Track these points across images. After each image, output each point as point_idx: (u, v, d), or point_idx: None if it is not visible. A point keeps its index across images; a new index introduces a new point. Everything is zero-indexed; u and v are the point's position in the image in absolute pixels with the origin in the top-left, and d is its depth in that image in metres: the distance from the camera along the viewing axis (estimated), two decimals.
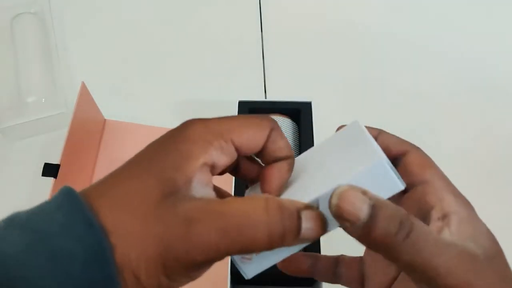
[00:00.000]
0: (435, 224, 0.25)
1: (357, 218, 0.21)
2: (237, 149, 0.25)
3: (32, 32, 0.70)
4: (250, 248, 0.22)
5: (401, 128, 0.66)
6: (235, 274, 0.49)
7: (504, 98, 0.68)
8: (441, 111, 0.67)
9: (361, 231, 0.21)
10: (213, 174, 0.24)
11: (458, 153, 0.64)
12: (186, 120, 0.25)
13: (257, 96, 0.68)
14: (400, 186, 0.24)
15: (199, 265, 0.22)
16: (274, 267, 0.49)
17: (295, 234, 0.22)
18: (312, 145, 0.55)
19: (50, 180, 0.50)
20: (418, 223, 0.22)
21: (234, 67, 0.71)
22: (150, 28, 0.75)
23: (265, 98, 0.68)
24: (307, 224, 0.22)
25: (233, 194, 0.48)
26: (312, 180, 0.26)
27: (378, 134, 0.30)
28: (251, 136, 0.25)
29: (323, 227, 0.23)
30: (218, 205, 0.22)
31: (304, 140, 0.55)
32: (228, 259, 0.47)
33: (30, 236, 0.21)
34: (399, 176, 0.25)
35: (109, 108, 0.64)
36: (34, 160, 0.62)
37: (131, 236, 0.21)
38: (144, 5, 0.77)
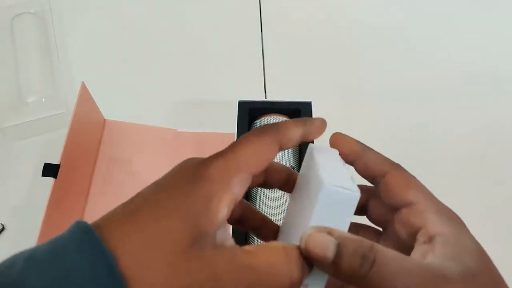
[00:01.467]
0: (420, 248, 0.25)
1: (325, 258, 0.22)
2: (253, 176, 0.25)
3: (32, 32, 0.70)
4: None
5: (401, 128, 0.66)
6: None
7: (504, 97, 0.68)
8: (442, 111, 0.67)
9: (331, 268, 0.22)
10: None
11: (457, 152, 0.64)
12: (203, 159, 0.24)
13: (257, 96, 0.68)
14: (356, 195, 0.24)
15: None
16: None
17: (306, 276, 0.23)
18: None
19: (50, 180, 0.50)
20: (383, 252, 0.22)
21: (234, 67, 0.71)
22: (150, 28, 0.75)
23: (265, 98, 0.68)
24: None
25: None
26: (297, 220, 0.27)
27: (361, 152, 0.29)
28: (264, 159, 0.25)
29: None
30: (244, 257, 0.22)
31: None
32: None
33: (50, 284, 0.19)
34: (354, 183, 0.25)
35: (109, 108, 0.64)
36: (34, 160, 0.62)
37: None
38: (144, 5, 0.77)
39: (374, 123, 0.66)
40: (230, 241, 0.23)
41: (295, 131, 0.27)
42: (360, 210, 0.30)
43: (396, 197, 0.27)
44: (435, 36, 0.74)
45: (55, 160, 0.52)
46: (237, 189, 0.23)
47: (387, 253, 0.22)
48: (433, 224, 0.25)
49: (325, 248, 0.22)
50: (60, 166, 0.51)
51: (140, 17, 0.76)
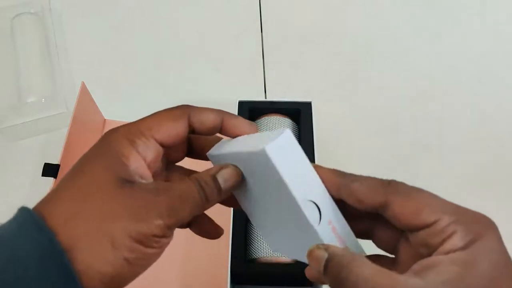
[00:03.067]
0: (423, 263, 0.24)
1: (320, 268, 0.26)
2: (160, 143, 0.29)
3: (32, 32, 0.70)
4: (190, 212, 0.27)
5: (401, 128, 0.66)
6: (235, 274, 0.49)
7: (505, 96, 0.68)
8: (442, 111, 0.67)
9: (322, 277, 0.26)
10: (150, 170, 0.28)
11: (460, 152, 0.64)
12: (114, 128, 0.29)
13: (257, 96, 0.68)
14: (286, 131, 0.25)
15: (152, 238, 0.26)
16: (273, 267, 0.50)
17: (217, 193, 0.28)
18: (312, 144, 0.55)
19: (50, 180, 0.50)
20: (358, 267, 0.24)
21: (234, 67, 0.71)
22: (150, 28, 0.75)
23: (265, 98, 0.68)
24: (222, 179, 0.28)
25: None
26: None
27: (344, 183, 0.27)
28: (170, 129, 0.29)
29: (237, 172, 0.29)
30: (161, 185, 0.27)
31: (304, 140, 0.55)
32: (228, 259, 0.48)
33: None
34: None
35: (109, 108, 0.64)
36: (34, 160, 0.62)
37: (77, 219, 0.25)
38: (144, 5, 0.77)
39: (374, 123, 0.66)
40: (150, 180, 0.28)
41: (208, 114, 0.30)
42: (363, 234, 0.29)
43: (409, 225, 0.25)
44: (435, 36, 0.74)
45: (55, 160, 0.52)
46: (142, 148, 0.28)
47: (364, 271, 0.23)
48: (451, 243, 0.23)
49: (319, 262, 0.26)
50: (60, 166, 0.51)
51: (140, 17, 0.76)
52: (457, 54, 0.72)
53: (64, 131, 0.53)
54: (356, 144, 0.64)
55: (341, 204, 0.27)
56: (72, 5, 0.77)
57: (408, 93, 0.69)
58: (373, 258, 0.27)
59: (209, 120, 0.30)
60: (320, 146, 0.55)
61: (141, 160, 0.28)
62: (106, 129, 0.64)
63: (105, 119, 0.65)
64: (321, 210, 0.26)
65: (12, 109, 0.63)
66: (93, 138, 0.62)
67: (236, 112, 0.56)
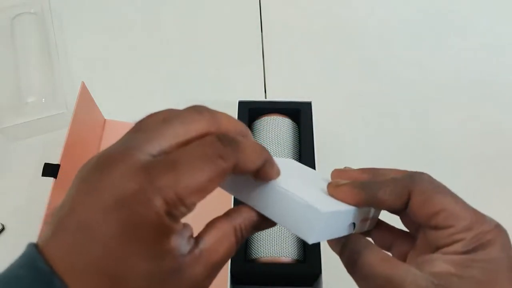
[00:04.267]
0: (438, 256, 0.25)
1: (337, 250, 0.29)
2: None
3: (32, 32, 0.70)
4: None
5: (401, 128, 0.66)
6: (235, 274, 0.49)
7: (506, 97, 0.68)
8: (442, 111, 0.67)
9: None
10: None
11: (460, 152, 0.64)
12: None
13: (257, 96, 0.68)
14: (320, 213, 0.25)
15: None
16: (273, 267, 0.50)
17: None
18: (312, 144, 0.55)
19: (50, 180, 0.50)
20: (366, 256, 0.26)
21: (234, 67, 0.71)
22: (150, 28, 0.75)
23: (265, 98, 0.68)
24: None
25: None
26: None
27: (375, 193, 0.28)
28: (211, 187, 0.22)
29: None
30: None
31: (304, 140, 0.55)
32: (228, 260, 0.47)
33: None
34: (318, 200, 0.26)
35: (109, 108, 0.64)
36: (34, 160, 0.62)
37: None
38: (144, 5, 0.77)
39: (374, 123, 0.66)
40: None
41: (254, 161, 0.24)
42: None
43: (426, 224, 0.27)
44: (436, 36, 0.74)
45: (55, 160, 0.52)
46: (181, 225, 0.22)
47: (370, 257, 0.26)
48: (461, 230, 0.25)
49: (338, 245, 0.29)
50: (60, 166, 0.51)
51: (140, 17, 0.76)
52: (458, 54, 0.72)
53: (64, 131, 0.53)
54: (356, 144, 0.64)
55: None
56: (72, 5, 0.77)
57: (408, 93, 0.69)
58: (399, 234, 0.31)
59: (253, 167, 0.24)
60: (320, 146, 0.55)
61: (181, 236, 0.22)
62: (106, 129, 0.64)
63: (105, 119, 0.65)
64: (355, 224, 0.28)
65: (12, 109, 0.63)
66: (93, 138, 0.62)
67: (236, 112, 0.56)
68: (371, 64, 0.71)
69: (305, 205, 0.25)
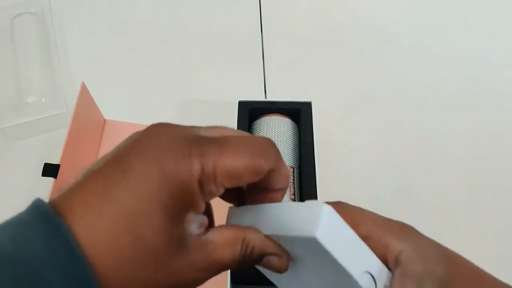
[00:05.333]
0: (396, 273, 0.26)
1: None
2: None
3: (32, 32, 0.70)
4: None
5: (401, 128, 0.66)
6: (235, 274, 0.49)
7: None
8: (443, 111, 0.67)
9: None
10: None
11: (458, 152, 0.64)
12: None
13: (257, 96, 0.68)
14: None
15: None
16: None
17: (250, 264, 0.26)
18: (312, 144, 0.55)
19: (50, 180, 0.50)
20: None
21: (234, 68, 0.71)
22: (150, 28, 0.75)
23: (265, 98, 0.68)
24: (266, 262, 0.26)
25: None
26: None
27: None
28: (245, 178, 0.23)
29: (284, 266, 0.27)
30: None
31: (304, 140, 0.55)
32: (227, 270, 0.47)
33: (15, 271, 0.19)
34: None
35: (109, 108, 0.64)
36: (34, 160, 0.62)
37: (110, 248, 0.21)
38: (144, 5, 0.77)
39: (374, 123, 0.66)
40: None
41: (285, 175, 0.26)
42: None
43: None
44: (436, 36, 0.74)
45: (55, 160, 0.51)
46: (207, 197, 0.23)
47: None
48: (393, 246, 0.26)
49: None
50: (60, 166, 0.51)
51: (140, 17, 0.76)
52: (459, 55, 0.72)
53: (64, 131, 0.53)
54: (356, 144, 0.64)
55: None
56: (72, 5, 0.77)
57: (408, 93, 0.69)
58: None
59: (280, 186, 0.26)
60: (320, 146, 0.55)
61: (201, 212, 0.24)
62: (106, 129, 0.64)
63: (105, 119, 0.65)
64: (375, 278, 0.26)
65: (12, 109, 0.63)
66: (93, 138, 0.62)
67: (236, 112, 0.56)
68: (371, 64, 0.71)
69: (305, 204, 0.25)
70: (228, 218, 0.29)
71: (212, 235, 0.24)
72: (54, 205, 0.21)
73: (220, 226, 0.25)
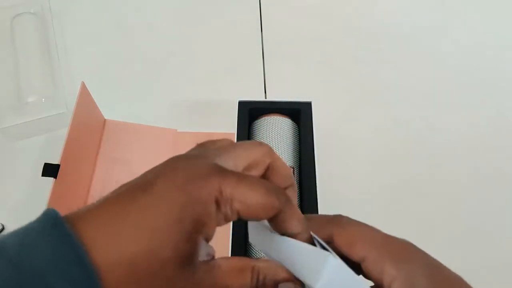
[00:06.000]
0: None
1: None
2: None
3: (32, 32, 0.70)
4: None
5: (402, 128, 0.66)
6: None
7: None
8: (443, 110, 0.67)
9: None
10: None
11: (457, 152, 0.64)
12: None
13: (257, 96, 0.68)
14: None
15: None
16: None
17: None
18: (312, 145, 0.55)
19: (50, 180, 0.50)
20: None
21: (234, 67, 0.71)
22: (150, 29, 0.75)
23: (265, 98, 0.68)
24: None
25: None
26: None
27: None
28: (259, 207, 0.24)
29: None
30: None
31: (304, 140, 0.55)
32: None
33: (20, 275, 0.19)
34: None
35: (109, 108, 0.64)
36: (34, 160, 0.62)
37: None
38: (144, 5, 0.77)
39: (374, 123, 0.66)
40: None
41: (285, 171, 0.27)
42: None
43: (350, 256, 0.26)
44: (436, 35, 0.74)
45: (55, 160, 0.51)
46: (220, 220, 0.24)
47: None
48: (388, 273, 0.25)
49: None
50: (60, 166, 0.51)
51: (140, 18, 0.76)
52: (459, 55, 0.72)
53: (64, 131, 0.53)
54: (355, 144, 0.64)
55: None
56: (72, 5, 0.77)
57: (409, 92, 0.69)
58: None
59: (283, 173, 0.27)
60: (320, 146, 0.55)
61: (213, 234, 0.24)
62: (106, 129, 0.64)
63: (105, 119, 0.65)
64: None
65: (12, 109, 0.63)
66: (93, 138, 0.62)
67: (236, 112, 0.56)
68: (371, 64, 0.71)
69: (314, 250, 0.25)
70: (249, 229, 0.30)
71: (220, 260, 0.24)
72: (66, 216, 0.21)
73: (229, 257, 0.26)
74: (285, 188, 0.28)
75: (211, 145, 0.27)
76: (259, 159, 0.26)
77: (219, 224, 0.24)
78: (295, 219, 0.25)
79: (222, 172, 0.23)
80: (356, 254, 0.26)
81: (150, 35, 0.74)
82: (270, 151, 0.27)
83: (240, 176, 0.24)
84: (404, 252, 0.26)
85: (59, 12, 0.75)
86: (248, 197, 0.23)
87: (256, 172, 0.26)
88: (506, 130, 0.66)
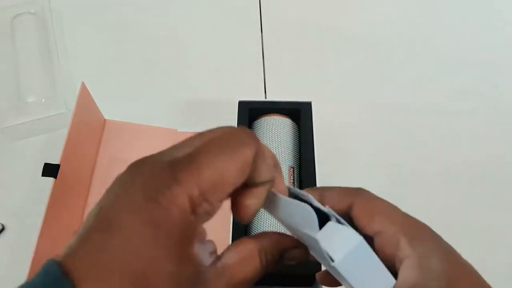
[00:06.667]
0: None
1: None
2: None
3: (32, 32, 0.70)
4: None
5: (402, 128, 0.66)
6: None
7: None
8: (442, 111, 0.67)
9: None
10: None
11: (460, 152, 0.64)
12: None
13: (257, 96, 0.68)
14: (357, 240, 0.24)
15: None
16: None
17: (276, 264, 0.25)
18: (312, 145, 0.55)
19: (50, 180, 0.50)
20: None
21: (234, 67, 0.71)
22: (150, 28, 0.75)
23: (265, 98, 0.68)
24: (288, 257, 0.26)
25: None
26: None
27: (320, 196, 0.28)
28: (235, 183, 0.22)
29: (304, 255, 0.27)
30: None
31: (304, 140, 0.55)
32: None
33: None
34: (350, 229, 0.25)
35: (109, 108, 0.64)
36: (34, 160, 0.62)
37: None
38: (144, 5, 0.77)
39: (374, 123, 0.66)
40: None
41: (266, 166, 0.24)
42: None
43: (366, 229, 0.27)
44: (436, 36, 0.74)
45: (55, 160, 0.51)
46: (203, 220, 0.22)
47: None
48: (402, 249, 0.25)
49: None
50: (60, 166, 0.51)
51: (140, 17, 0.76)
52: (458, 55, 0.72)
53: (64, 131, 0.53)
54: (356, 144, 0.64)
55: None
56: (72, 5, 0.77)
57: (408, 92, 0.69)
58: None
59: (262, 169, 0.24)
60: (320, 146, 0.55)
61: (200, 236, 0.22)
62: (106, 129, 0.64)
63: (105, 119, 0.65)
64: None
65: (12, 109, 0.63)
66: (93, 138, 0.62)
67: (236, 112, 0.56)
68: (371, 64, 0.71)
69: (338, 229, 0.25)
70: None
71: (227, 259, 0.23)
72: (63, 265, 0.20)
73: (232, 246, 0.24)
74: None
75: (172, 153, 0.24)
76: (239, 175, 0.22)
77: (206, 220, 0.22)
78: (265, 165, 0.23)
79: (178, 172, 0.21)
80: (373, 227, 0.26)
81: (150, 35, 0.74)
82: (254, 142, 0.23)
83: (195, 161, 0.21)
84: (421, 233, 0.26)
85: (59, 12, 0.75)
86: (217, 178, 0.21)
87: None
88: (506, 130, 0.66)
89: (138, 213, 0.20)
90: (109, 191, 0.22)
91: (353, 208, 0.27)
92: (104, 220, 0.20)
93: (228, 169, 0.21)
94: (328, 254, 0.23)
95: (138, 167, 0.22)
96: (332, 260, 0.23)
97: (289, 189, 0.28)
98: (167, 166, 0.21)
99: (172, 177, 0.20)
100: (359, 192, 0.28)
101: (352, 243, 0.24)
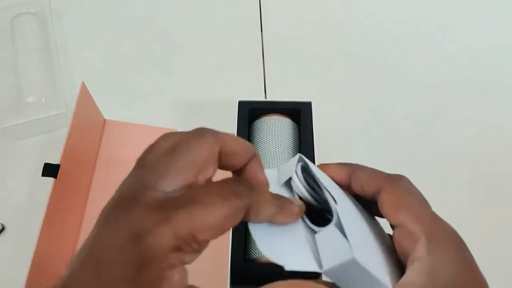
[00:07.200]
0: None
1: None
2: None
3: (32, 32, 0.70)
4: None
5: (403, 128, 0.66)
6: (235, 274, 0.49)
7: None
8: (442, 111, 0.67)
9: None
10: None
11: (459, 152, 0.64)
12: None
13: (257, 96, 0.68)
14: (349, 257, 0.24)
15: None
16: (273, 267, 0.49)
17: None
18: (312, 145, 0.54)
19: (50, 180, 0.50)
20: None
21: (234, 67, 0.71)
22: (150, 28, 0.75)
23: (265, 98, 0.68)
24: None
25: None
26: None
27: (350, 174, 0.28)
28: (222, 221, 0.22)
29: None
30: None
31: (304, 140, 0.55)
32: (228, 259, 0.48)
33: None
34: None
35: (109, 108, 0.64)
36: (34, 160, 0.62)
37: None
38: (144, 5, 0.77)
39: (375, 123, 0.66)
40: None
41: (239, 145, 0.25)
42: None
43: (389, 218, 0.26)
44: (435, 36, 0.74)
45: (55, 160, 0.52)
46: (189, 260, 0.22)
47: None
48: (419, 249, 0.24)
49: None
50: (60, 166, 0.51)
51: (140, 17, 0.76)
52: (458, 55, 0.72)
53: (64, 131, 0.53)
54: (356, 144, 0.64)
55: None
56: (72, 5, 0.77)
57: (408, 92, 0.69)
58: None
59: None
60: (320, 146, 0.55)
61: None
62: (106, 129, 0.64)
63: (105, 119, 0.65)
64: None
65: (12, 109, 0.63)
66: (93, 138, 0.62)
67: (236, 112, 0.56)
68: (371, 65, 0.71)
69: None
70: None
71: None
72: None
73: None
74: (249, 161, 0.25)
75: (150, 158, 0.24)
76: (207, 156, 0.23)
77: (193, 260, 0.22)
78: (267, 205, 0.24)
79: (170, 214, 0.20)
80: (396, 217, 0.26)
81: (150, 35, 0.74)
82: (213, 139, 0.24)
83: (191, 203, 0.21)
84: (445, 239, 0.25)
85: (59, 12, 0.75)
86: (209, 220, 0.21)
87: (211, 168, 0.23)
88: (502, 133, 0.66)
89: (121, 253, 0.20)
90: (99, 223, 0.22)
91: (381, 193, 0.27)
92: (92, 256, 0.21)
93: (221, 215, 0.21)
94: (319, 258, 0.24)
95: (122, 205, 0.22)
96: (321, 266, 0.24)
97: (307, 165, 0.29)
98: (158, 207, 0.21)
99: (164, 218, 0.20)
100: (391, 178, 0.27)
101: (342, 259, 0.24)
